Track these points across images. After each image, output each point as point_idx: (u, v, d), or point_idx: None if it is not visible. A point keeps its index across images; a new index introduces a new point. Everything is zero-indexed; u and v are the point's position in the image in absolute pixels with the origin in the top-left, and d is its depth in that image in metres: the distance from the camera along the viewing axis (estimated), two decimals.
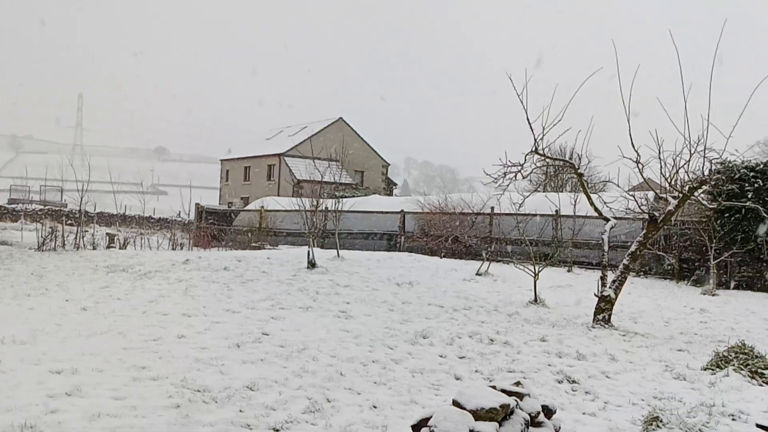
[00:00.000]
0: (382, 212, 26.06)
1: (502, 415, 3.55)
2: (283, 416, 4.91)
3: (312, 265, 14.01)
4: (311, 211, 16.59)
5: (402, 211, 25.09)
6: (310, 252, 14.24)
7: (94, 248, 18.17)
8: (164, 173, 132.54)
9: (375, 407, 5.26)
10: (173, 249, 21.26)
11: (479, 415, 3.51)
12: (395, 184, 59.31)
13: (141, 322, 7.97)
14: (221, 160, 59.88)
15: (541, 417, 3.81)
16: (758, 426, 5.09)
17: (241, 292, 10.68)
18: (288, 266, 14.17)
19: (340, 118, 51.76)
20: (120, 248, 19.44)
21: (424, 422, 3.56)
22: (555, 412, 4.02)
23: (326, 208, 20.19)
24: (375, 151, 53.05)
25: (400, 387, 5.89)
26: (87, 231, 19.87)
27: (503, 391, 3.76)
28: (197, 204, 31.11)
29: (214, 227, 29.13)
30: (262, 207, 29.78)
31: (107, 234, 21.77)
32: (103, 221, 36.91)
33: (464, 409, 3.51)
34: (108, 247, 19.65)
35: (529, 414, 3.70)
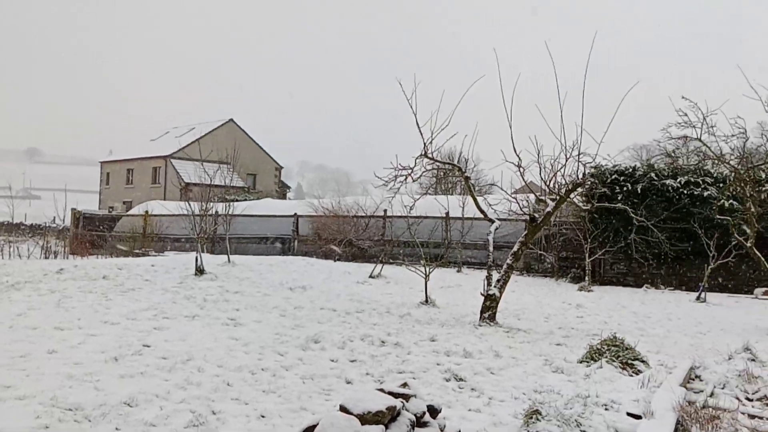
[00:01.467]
0: (275, 216, 25.67)
1: (389, 417, 3.57)
2: None
3: (200, 271, 13.52)
4: (200, 216, 16.00)
5: (295, 214, 24.85)
6: (199, 258, 13.73)
7: None
8: (37, 176, 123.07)
9: (263, 417, 5.13)
10: (46, 257, 19.75)
11: (366, 418, 3.50)
12: (289, 188, 58.69)
13: (7, 338, 7.30)
14: (101, 162, 56.46)
15: (427, 417, 3.86)
16: (629, 414, 5.46)
17: (122, 302, 10.09)
18: (174, 273, 13.57)
19: (231, 119, 50.49)
20: None
21: (310, 430, 3.50)
22: (440, 411, 4.09)
23: (216, 212, 19.58)
24: (268, 154, 52.20)
25: (289, 394, 5.78)
26: None
27: (390, 393, 3.78)
28: (73, 209, 29.09)
29: (93, 233, 27.39)
30: (147, 211, 28.39)
31: None
32: None
33: (351, 413, 3.48)
34: None
35: (415, 414, 3.75)
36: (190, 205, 16.28)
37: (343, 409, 3.57)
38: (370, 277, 15.94)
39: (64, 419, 4.73)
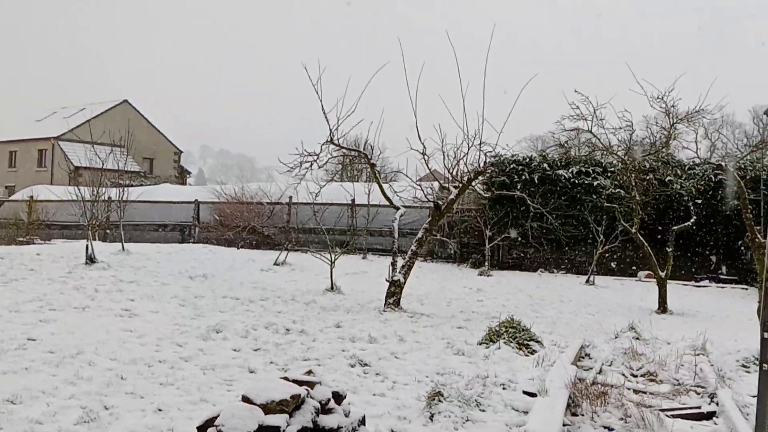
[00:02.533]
0: (173, 202, 24.68)
1: (293, 405, 3.51)
2: (51, 430, 4.36)
3: (91, 260, 12.76)
4: (91, 201, 15.08)
5: (196, 200, 24.02)
6: (89, 246, 12.94)
7: None
8: None
9: (160, 410, 4.91)
10: None
11: (269, 408, 3.42)
12: (189, 173, 56.60)
13: None
14: None
15: (332, 404, 3.84)
16: (525, 392, 5.71)
17: (3, 293, 9.34)
18: (62, 262, 12.74)
19: (125, 100, 47.83)
20: None
21: (210, 422, 3.38)
22: (345, 397, 4.08)
23: (109, 197, 18.56)
24: (166, 138, 49.95)
25: (189, 386, 5.57)
26: None
27: (295, 381, 3.72)
28: None
29: None
30: (32, 197, 26.44)
31: None
32: None
33: (254, 403, 3.39)
34: None
35: (320, 402, 3.71)
36: (80, 190, 15.33)
37: (246, 399, 3.47)
38: (275, 264, 15.70)
39: None
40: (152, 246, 17.77)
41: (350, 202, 21.15)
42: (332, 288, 12.30)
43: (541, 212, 14.45)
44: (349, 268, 15.74)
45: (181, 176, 50.98)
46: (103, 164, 15.77)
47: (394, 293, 10.74)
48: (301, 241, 20.19)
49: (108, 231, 20.88)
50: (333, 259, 12.71)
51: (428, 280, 15.29)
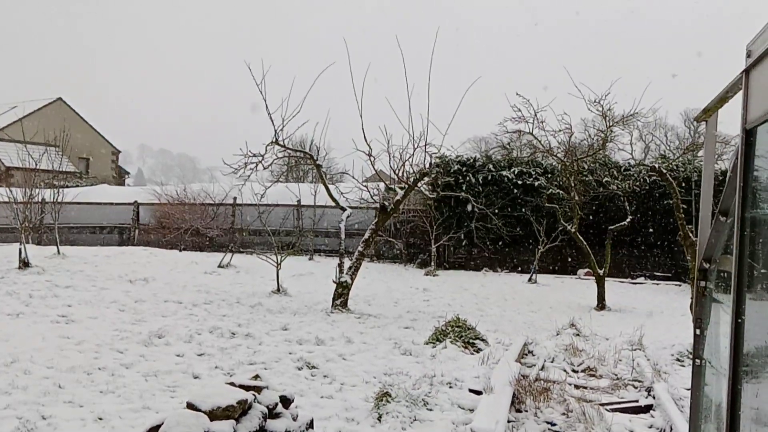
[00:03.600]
0: (112, 204, 23.87)
1: (240, 411, 3.46)
2: None
3: (25, 264, 12.24)
4: (23, 203, 14.45)
5: (135, 202, 23.31)
6: (23, 249, 12.40)
7: None
8: None
9: (101, 419, 4.76)
10: None
11: (216, 414, 3.37)
12: (128, 173, 54.95)
13: None
14: None
15: (279, 408, 3.81)
16: (471, 390, 5.80)
17: None
18: None
19: (59, 98, 45.99)
20: None
21: (154, 430, 3.30)
22: (293, 401, 4.06)
23: (43, 199, 17.81)
24: (103, 137, 48.31)
25: (130, 393, 5.42)
26: None
27: (241, 386, 3.68)
28: None
29: None
30: None
31: None
32: None
33: (199, 410, 3.33)
34: None
35: (267, 406, 3.67)
36: (11, 191, 14.67)
37: (191, 406, 3.40)
38: (219, 266, 15.42)
39: None
40: (90, 249, 17.18)
41: (296, 203, 20.99)
42: (279, 290, 12.19)
43: (485, 212, 14.70)
44: (295, 269, 15.61)
45: (120, 177, 49.43)
46: (36, 164, 15.16)
47: (342, 294, 10.73)
48: (247, 243, 19.90)
49: (43, 234, 20.06)
50: (279, 261, 12.58)
51: (375, 281, 15.33)
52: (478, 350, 7.73)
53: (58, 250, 14.87)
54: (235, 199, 21.44)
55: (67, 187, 21.02)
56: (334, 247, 21.02)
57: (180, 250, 20.07)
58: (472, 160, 20.67)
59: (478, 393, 5.74)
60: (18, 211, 14.13)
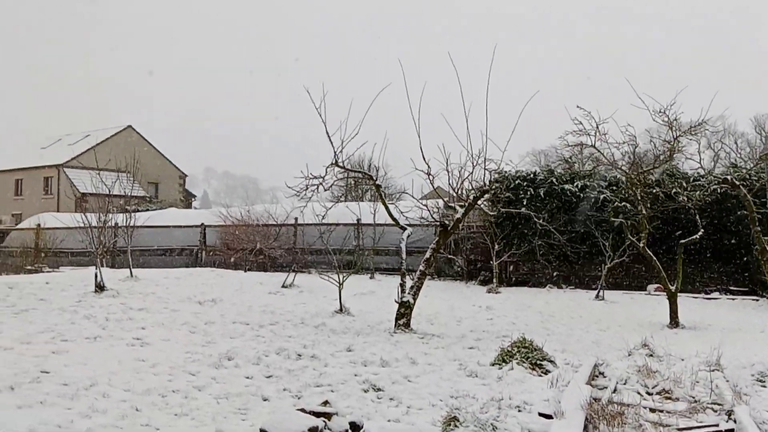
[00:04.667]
0: (180, 226, 24.76)
1: None
2: None
3: (100, 288, 12.78)
4: (98, 228, 15.15)
5: (202, 224, 24.09)
6: (98, 273, 12.97)
7: None
8: None
9: None
10: None
11: None
12: (194, 196, 56.90)
13: None
14: None
15: None
16: (540, 414, 5.66)
17: (14, 324, 9.35)
18: (71, 291, 12.76)
19: (129, 125, 48.21)
20: None
21: None
22: (362, 428, 4.07)
23: (116, 223, 18.64)
24: (170, 162, 50.25)
25: (204, 416, 5.56)
26: None
27: (312, 412, 3.72)
28: None
29: None
30: (39, 224, 26.58)
31: None
32: None
33: None
34: None
35: None
36: (87, 216, 15.40)
37: None
38: (283, 286, 15.69)
39: None
40: (160, 271, 17.81)
41: (356, 222, 21.18)
42: (341, 310, 12.28)
43: (548, 228, 14.40)
44: (357, 288, 15.71)
45: (187, 199, 51.19)
46: (109, 191, 15.87)
47: (404, 314, 10.72)
48: (308, 263, 20.19)
49: (115, 257, 20.95)
50: (341, 281, 12.69)
51: (437, 299, 15.24)
52: (546, 372, 7.54)
53: (131, 273, 15.48)
54: (296, 219, 21.83)
55: (138, 211, 21.91)
56: (394, 265, 21.05)
57: (245, 271, 20.56)
58: (532, 175, 20.37)
59: (549, 417, 5.59)
60: (93, 236, 14.82)
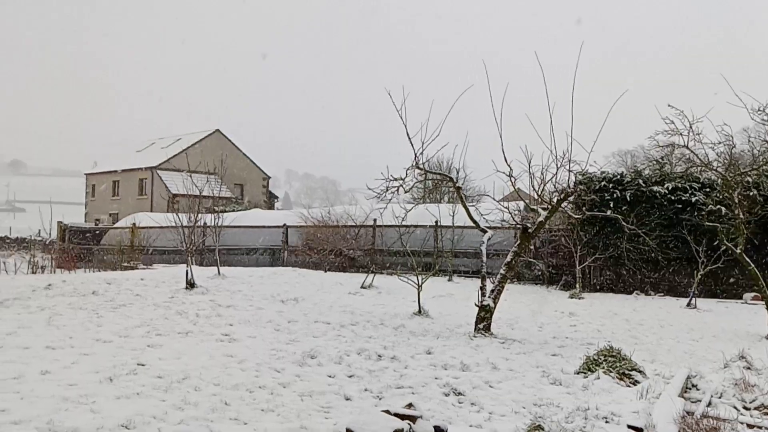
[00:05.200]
0: (264, 227, 25.54)
1: None
2: None
3: (191, 285, 13.39)
4: (189, 227, 15.86)
5: (285, 225, 24.73)
6: (189, 271, 13.59)
7: None
8: (21, 188, 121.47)
9: None
10: (33, 272, 19.48)
11: None
12: (276, 197, 58.54)
13: None
14: (86, 174, 55.94)
15: None
16: (629, 427, 5.45)
17: (113, 318, 9.95)
18: (164, 287, 13.44)
19: (217, 129, 50.26)
20: None
21: None
22: None
23: (204, 223, 19.45)
24: (255, 164, 51.99)
25: (288, 413, 5.71)
26: None
27: (396, 415, 3.74)
28: (60, 222, 28.74)
29: (80, 247, 27.10)
30: (134, 224, 28.14)
31: None
32: None
33: None
34: None
35: None
36: (178, 216, 16.15)
37: None
38: (362, 287, 15.87)
39: None
40: (245, 270, 18.43)
41: (434, 224, 21.14)
42: (420, 312, 12.29)
43: (637, 232, 13.83)
44: (435, 290, 15.68)
45: (270, 201, 52.77)
46: (200, 191, 16.57)
47: (484, 318, 10.59)
48: (386, 264, 20.33)
49: (203, 255, 21.87)
50: (420, 282, 12.70)
51: (517, 304, 14.97)
52: (635, 382, 7.25)
53: (219, 271, 16.11)
54: (375, 220, 22.04)
55: (225, 211, 22.78)
56: (472, 267, 20.87)
57: (325, 271, 20.95)
58: (618, 176, 19.63)
59: (639, 430, 5.38)
60: (184, 235, 15.53)
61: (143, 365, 7.09)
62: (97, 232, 32.22)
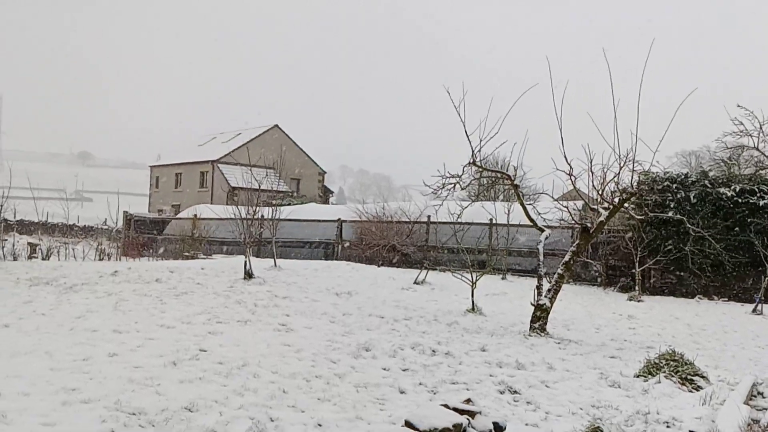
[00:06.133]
0: (319, 221, 25.90)
1: None
2: None
3: (249, 275, 13.71)
4: (247, 219, 16.23)
5: (339, 219, 25.00)
6: (247, 262, 13.91)
7: (15, 259, 17.17)
8: (89, 179, 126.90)
9: (320, 425, 5.16)
10: (100, 259, 20.36)
11: None
12: (331, 192, 59.19)
13: (69, 340, 7.54)
14: (151, 167, 57.97)
15: None
16: None
17: (175, 305, 10.30)
18: (224, 277, 13.81)
19: (276, 125, 51.15)
20: (42, 259, 18.45)
21: None
22: (505, 429, 4.05)
23: (262, 216, 19.86)
24: (311, 159, 52.69)
25: (344, 403, 5.80)
26: (6, 240, 18.76)
27: (455, 409, 3.76)
28: (125, 211, 29.91)
29: (144, 236, 28.12)
30: (195, 215, 29.00)
31: (28, 244, 20.64)
32: (23, 230, 34.95)
33: (417, 430, 3.48)
34: (30, 257, 18.62)
35: None
36: (238, 208, 16.55)
37: (408, 424, 3.57)
38: (415, 283, 15.91)
39: (129, 424, 4.85)
40: (300, 262, 18.74)
41: (489, 221, 20.95)
42: (473, 309, 12.23)
43: (702, 235, 13.35)
44: (488, 288, 15.56)
45: (325, 195, 53.40)
46: (259, 185, 16.92)
47: (540, 318, 10.46)
48: (439, 260, 20.29)
49: (260, 247, 22.34)
50: (474, 280, 12.63)
51: (573, 304, 14.71)
52: (698, 388, 7.03)
53: (275, 263, 16.44)
54: (429, 217, 22.02)
55: (282, 204, 23.20)
56: (526, 266, 20.60)
57: (378, 266, 21.08)
58: (683, 176, 18.98)
59: None
60: (244, 227, 15.90)
61: (205, 351, 7.33)
62: (161, 222, 33.35)
